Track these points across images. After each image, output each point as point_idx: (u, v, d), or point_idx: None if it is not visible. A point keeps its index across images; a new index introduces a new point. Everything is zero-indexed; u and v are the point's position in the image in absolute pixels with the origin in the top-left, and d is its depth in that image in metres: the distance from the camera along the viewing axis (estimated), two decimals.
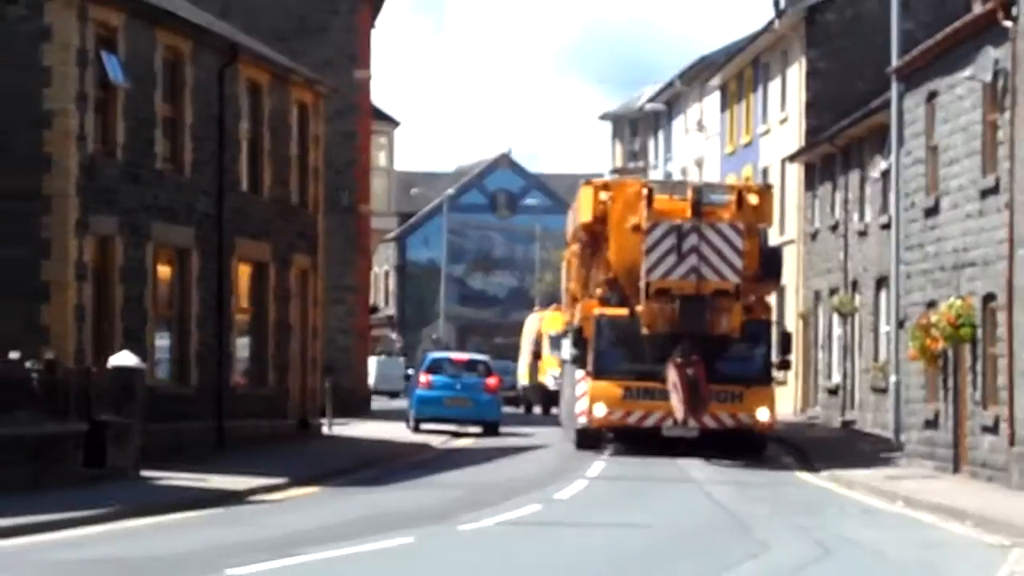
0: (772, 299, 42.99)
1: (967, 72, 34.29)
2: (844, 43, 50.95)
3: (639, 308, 32.44)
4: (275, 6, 48.86)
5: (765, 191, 37.84)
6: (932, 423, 36.01)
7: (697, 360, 31.42)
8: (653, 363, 32.11)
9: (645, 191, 34.31)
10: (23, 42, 30.96)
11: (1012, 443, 30.35)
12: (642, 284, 32.45)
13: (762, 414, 33.30)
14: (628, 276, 32.98)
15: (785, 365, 41.35)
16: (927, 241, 37.53)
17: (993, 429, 32.12)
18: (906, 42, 38.80)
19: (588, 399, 33.54)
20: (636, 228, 33.16)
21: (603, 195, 34.91)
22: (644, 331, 32.37)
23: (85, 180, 31.73)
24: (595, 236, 35.17)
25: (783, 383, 46.95)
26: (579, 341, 34.89)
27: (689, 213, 33.23)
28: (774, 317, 42.23)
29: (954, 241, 35.64)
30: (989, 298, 32.70)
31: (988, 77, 32.73)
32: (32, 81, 30.85)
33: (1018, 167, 30.38)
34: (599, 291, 34.19)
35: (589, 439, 33.86)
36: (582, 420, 35.19)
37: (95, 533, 22.39)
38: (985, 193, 32.98)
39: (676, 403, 31.66)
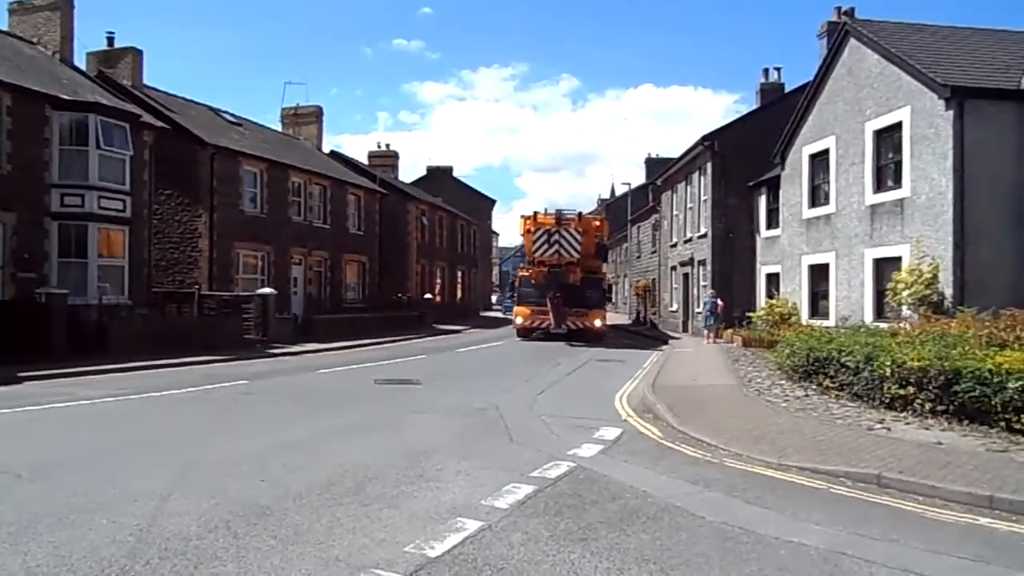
0: (606, 269, 29.46)
1: (648, 222, 33.12)
2: (615, 217, 43.43)
3: (533, 271, 23.48)
4: (475, 211, 46.92)
5: (603, 219, 26.15)
6: (639, 317, 34.27)
7: (559, 296, 22.89)
8: (542, 298, 23.08)
9: (534, 214, 23.44)
10: (400, 212, 30.90)
11: (656, 326, 29.58)
12: (533, 259, 23.29)
13: (597, 323, 23.27)
14: (530, 255, 23.41)
15: (608, 299, 28.64)
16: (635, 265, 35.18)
17: (655, 315, 31.09)
18: (635, 211, 35.90)
19: (515, 315, 24.31)
20: (530, 231, 23.08)
21: (524, 219, 23.56)
22: (534, 282, 23.27)
23: (418, 253, 31.73)
24: (524, 238, 24.15)
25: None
26: (513, 288, 25.86)
27: (554, 224, 22.78)
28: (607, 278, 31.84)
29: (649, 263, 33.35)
30: (655, 280, 31.43)
31: (653, 224, 31.92)
32: (403, 229, 30.85)
33: (664, 251, 28.76)
34: (524, 264, 24.79)
35: (520, 333, 23.64)
36: (513, 325, 25.13)
37: (419, 341, 22.33)
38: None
39: (551, 317, 22.91)
